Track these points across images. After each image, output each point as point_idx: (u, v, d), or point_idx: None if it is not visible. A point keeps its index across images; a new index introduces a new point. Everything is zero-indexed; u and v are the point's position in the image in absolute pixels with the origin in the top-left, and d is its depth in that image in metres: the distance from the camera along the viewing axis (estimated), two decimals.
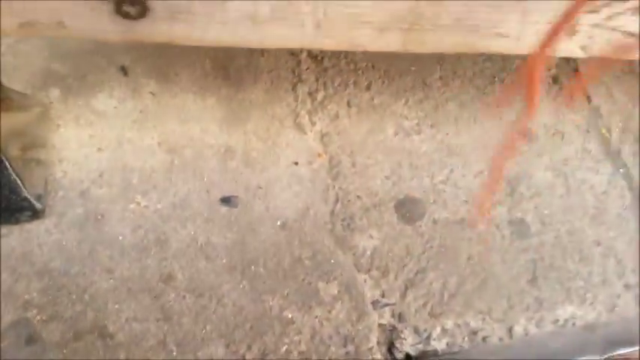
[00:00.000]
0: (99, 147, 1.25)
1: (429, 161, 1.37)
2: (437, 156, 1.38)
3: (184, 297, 1.07)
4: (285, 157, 1.34)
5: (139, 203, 1.19)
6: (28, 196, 1.07)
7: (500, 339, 1.10)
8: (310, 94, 1.47)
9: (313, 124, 1.42)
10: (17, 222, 1.07)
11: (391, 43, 0.94)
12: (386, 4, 0.86)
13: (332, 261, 1.19)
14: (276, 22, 0.87)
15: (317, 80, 1.50)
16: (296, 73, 1.50)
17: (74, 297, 1.02)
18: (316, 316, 1.10)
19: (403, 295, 1.15)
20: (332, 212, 1.27)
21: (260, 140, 1.37)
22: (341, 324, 1.10)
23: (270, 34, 0.89)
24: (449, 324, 1.11)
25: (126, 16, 0.76)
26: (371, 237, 1.23)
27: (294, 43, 0.93)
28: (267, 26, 0.87)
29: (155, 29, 0.80)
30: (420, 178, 1.34)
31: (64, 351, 0.96)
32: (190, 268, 1.11)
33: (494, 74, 1.56)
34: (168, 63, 1.44)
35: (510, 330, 1.12)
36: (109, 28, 0.79)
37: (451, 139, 1.42)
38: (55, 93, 1.31)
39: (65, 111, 1.29)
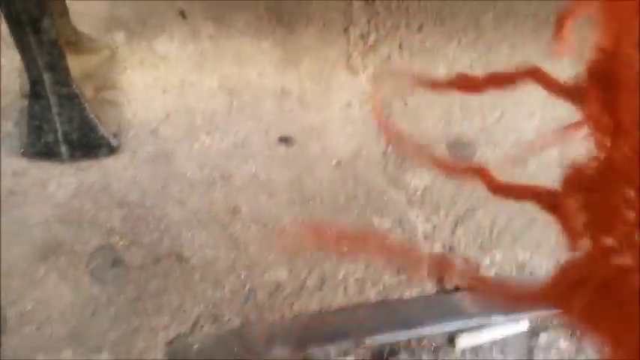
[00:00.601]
0: (164, 89, 1.32)
1: (480, 103, 1.39)
2: (489, 98, 1.40)
3: (249, 227, 1.15)
4: (338, 98, 1.39)
5: (203, 142, 1.26)
6: (105, 134, 1.16)
7: (548, 272, 1.15)
8: (362, 36, 1.49)
9: (365, 66, 1.44)
10: (96, 157, 1.17)
11: None
12: None
13: (385, 198, 1.25)
14: None
15: (369, 22, 1.51)
16: (347, 16, 1.52)
17: (151, 226, 1.12)
18: None
19: (453, 230, 1.21)
20: (384, 152, 1.32)
21: (314, 82, 1.41)
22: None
23: None
24: (497, 257, 1.17)
25: None
26: (422, 176, 1.28)
27: None
28: None
29: None
30: (471, 120, 1.37)
31: (145, 273, 1.07)
32: (253, 201, 1.19)
33: (548, 15, 1.53)
34: (224, 6, 1.48)
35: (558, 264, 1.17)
36: None
37: None
38: (120, 37, 1.38)
39: (130, 53, 1.35)
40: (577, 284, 0.36)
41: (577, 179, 0.39)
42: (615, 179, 0.35)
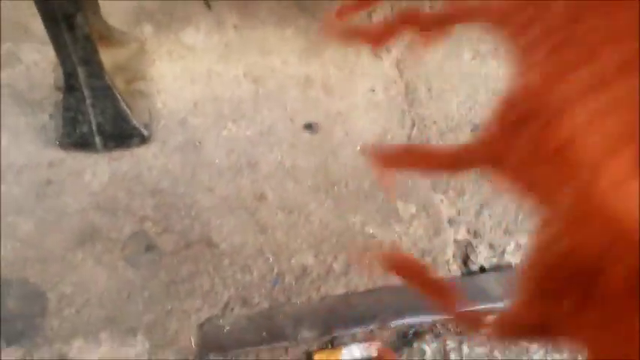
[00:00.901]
0: (191, 79, 1.35)
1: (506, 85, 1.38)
2: None
3: (276, 213, 1.18)
4: (362, 84, 1.39)
5: (230, 130, 1.29)
6: (137, 125, 1.20)
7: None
8: (385, 20, 1.49)
9: (389, 51, 1.44)
10: (128, 147, 1.21)
11: None
12: None
13: (409, 182, 1.26)
14: None
15: (392, 7, 1.50)
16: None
17: (182, 213, 1.16)
18: (396, 232, 1.19)
19: (478, 214, 1.21)
20: (409, 137, 1.32)
21: (337, 69, 1.42)
22: (419, 239, 1.18)
23: None
24: (523, 240, 1.17)
25: None
26: None
27: None
28: None
29: None
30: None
31: (177, 258, 1.11)
32: (280, 188, 1.22)
33: None
34: None
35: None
36: None
37: None
38: (147, 29, 1.41)
39: (158, 45, 1.39)
40: (515, 126, 0.27)
41: None
42: None
